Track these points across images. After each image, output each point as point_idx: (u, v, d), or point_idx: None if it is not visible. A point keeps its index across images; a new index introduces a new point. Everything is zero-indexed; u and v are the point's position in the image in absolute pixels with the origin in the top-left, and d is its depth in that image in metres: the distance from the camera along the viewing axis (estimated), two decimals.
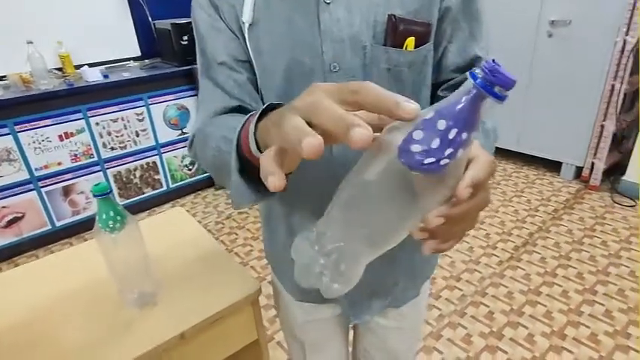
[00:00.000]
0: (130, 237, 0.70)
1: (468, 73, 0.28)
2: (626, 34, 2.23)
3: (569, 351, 1.53)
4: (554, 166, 2.82)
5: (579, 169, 2.70)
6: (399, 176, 0.28)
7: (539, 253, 2.09)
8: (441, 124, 0.27)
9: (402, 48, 0.55)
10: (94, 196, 0.65)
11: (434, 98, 0.63)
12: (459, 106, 0.27)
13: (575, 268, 1.97)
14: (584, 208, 2.45)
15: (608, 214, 2.38)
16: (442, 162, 0.27)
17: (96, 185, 0.65)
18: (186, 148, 2.42)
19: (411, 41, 0.55)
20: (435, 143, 0.27)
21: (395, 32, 0.54)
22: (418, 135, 0.27)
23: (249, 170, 0.42)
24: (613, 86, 2.36)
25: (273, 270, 0.84)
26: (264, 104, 0.62)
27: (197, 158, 0.59)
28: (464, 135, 0.27)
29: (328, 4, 0.53)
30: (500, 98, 0.27)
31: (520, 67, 2.71)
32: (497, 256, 2.08)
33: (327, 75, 0.56)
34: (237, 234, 2.42)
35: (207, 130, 0.55)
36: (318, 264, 0.32)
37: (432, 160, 0.27)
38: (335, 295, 0.33)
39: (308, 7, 0.54)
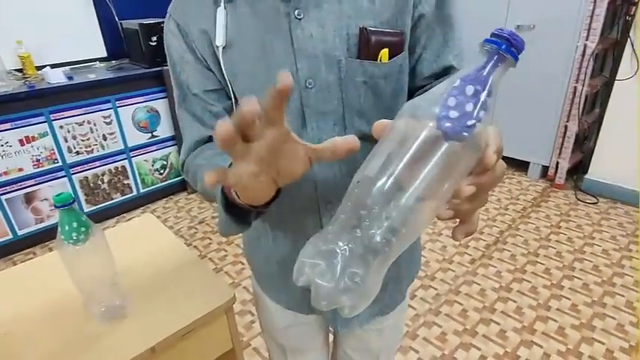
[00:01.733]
0: (96, 248, 0.67)
1: (485, 43, 0.29)
2: (587, 39, 2.33)
3: (539, 345, 1.58)
4: (522, 166, 2.92)
5: (545, 169, 2.80)
6: (431, 151, 0.28)
7: (509, 251, 2.15)
8: (470, 90, 0.28)
9: (376, 60, 0.55)
10: (56, 207, 0.61)
11: None
12: (484, 71, 0.29)
13: (543, 264, 2.04)
14: (550, 205, 2.55)
15: (573, 211, 2.48)
16: (477, 124, 0.28)
17: (57, 195, 0.62)
18: (157, 152, 2.41)
19: (384, 53, 0.55)
20: (469, 107, 0.28)
21: (368, 44, 0.54)
22: (452, 102, 0.28)
23: (235, 205, 0.47)
24: (575, 88, 2.46)
25: (254, 275, 0.83)
26: None
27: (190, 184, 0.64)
28: (489, 99, 0.29)
29: (300, 20, 0.53)
30: (516, 60, 0.30)
31: None
32: (470, 255, 2.13)
33: (302, 91, 0.55)
34: (210, 239, 2.38)
35: (195, 162, 0.59)
36: (340, 281, 0.30)
37: (472, 122, 0.28)
38: (357, 312, 0.31)
39: (280, 25, 0.53)
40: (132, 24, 2.52)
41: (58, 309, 0.75)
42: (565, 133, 2.59)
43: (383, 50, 0.55)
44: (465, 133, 0.28)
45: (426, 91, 0.62)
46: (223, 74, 0.57)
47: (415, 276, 0.81)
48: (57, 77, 2.22)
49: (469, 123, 0.28)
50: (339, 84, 0.55)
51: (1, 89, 2.06)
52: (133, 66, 2.59)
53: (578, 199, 2.58)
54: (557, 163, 2.68)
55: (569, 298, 1.81)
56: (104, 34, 2.67)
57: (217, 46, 0.56)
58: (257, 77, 0.56)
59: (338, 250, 0.31)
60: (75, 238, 0.63)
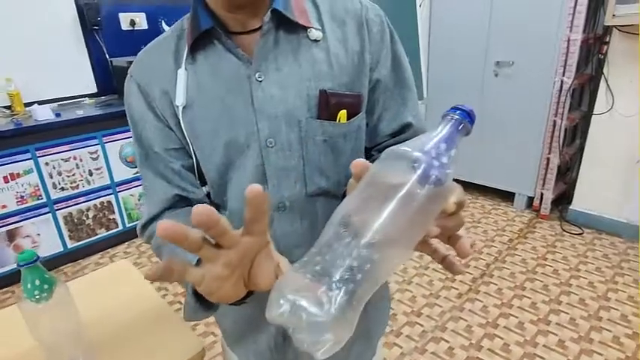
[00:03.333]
0: (60, 305, 0.66)
1: (453, 112, 0.37)
2: (563, 74, 2.41)
3: None
4: (508, 196, 2.94)
5: (531, 199, 2.83)
6: (413, 197, 0.33)
7: (496, 284, 2.14)
8: (443, 146, 0.36)
9: (335, 120, 0.57)
10: (19, 266, 0.61)
11: (368, 159, 0.65)
12: (451, 134, 0.37)
13: (529, 298, 2.03)
14: (537, 237, 2.56)
15: (558, 242, 2.49)
16: (451, 172, 0.35)
17: (21, 253, 0.62)
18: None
19: (343, 114, 0.57)
20: (445, 159, 0.35)
21: (327, 105, 0.56)
22: (434, 153, 0.35)
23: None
24: (555, 122, 2.53)
25: (222, 335, 0.81)
26: (206, 183, 0.63)
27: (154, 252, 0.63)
28: (454, 153, 0.36)
29: (260, 81, 0.54)
30: (471, 127, 0.38)
31: (472, 103, 2.85)
32: (457, 289, 2.12)
33: (263, 150, 0.56)
34: None
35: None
36: (327, 313, 0.31)
37: (449, 170, 0.34)
38: (333, 352, 0.32)
39: (241, 86, 0.55)
40: (122, 61, 2.57)
41: None
42: (548, 164, 2.64)
43: (341, 111, 0.57)
44: (444, 180, 0.34)
45: (390, 145, 0.65)
46: (184, 134, 0.58)
47: (384, 331, 0.80)
48: (44, 114, 2.24)
49: (448, 171, 0.34)
50: (300, 142, 0.57)
51: None
52: (121, 102, 2.63)
53: (564, 230, 2.60)
54: (542, 194, 2.72)
55: (556, 334, 1.79)
56: (94, 71, 2.72)
57: (177, 106, 0.57)
58: (218, 136, 0.57)
59: (320, 285, 0.32)
60: (38, 296, 0.63)
